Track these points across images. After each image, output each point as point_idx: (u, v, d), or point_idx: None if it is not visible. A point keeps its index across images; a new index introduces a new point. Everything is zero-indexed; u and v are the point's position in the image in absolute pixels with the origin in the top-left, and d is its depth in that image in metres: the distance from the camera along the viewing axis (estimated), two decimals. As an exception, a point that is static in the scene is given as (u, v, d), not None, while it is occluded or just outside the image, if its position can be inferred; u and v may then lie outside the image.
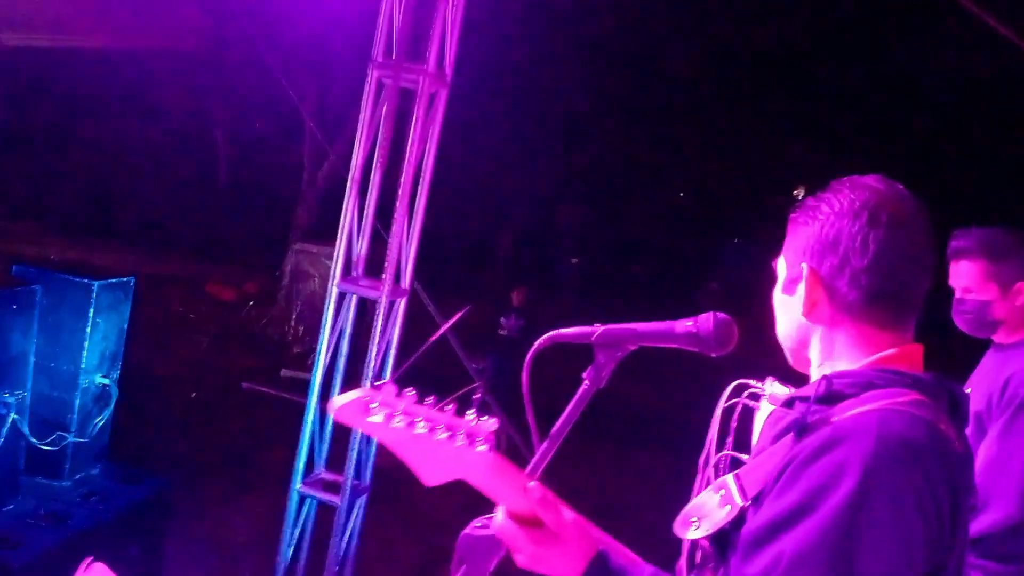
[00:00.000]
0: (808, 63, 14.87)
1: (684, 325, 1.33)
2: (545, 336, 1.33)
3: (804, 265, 1.33)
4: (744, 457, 2.13)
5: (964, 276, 2.77)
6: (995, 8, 4.88)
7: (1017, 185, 13.85)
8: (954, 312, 2.80)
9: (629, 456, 9.10)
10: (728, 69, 15.00)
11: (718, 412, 2.27)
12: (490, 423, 1.20)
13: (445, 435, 1.17)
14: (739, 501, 1.26)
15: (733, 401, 2.29)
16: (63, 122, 22.28)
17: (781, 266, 1.41)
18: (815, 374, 1.35)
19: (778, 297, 1.41)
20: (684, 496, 2.41)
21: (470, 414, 1.20)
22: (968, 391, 2.80)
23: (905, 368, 1.28)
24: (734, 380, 2.36)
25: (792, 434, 1.22)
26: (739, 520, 1.25)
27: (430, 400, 1.19)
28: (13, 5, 5.17)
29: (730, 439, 2.30)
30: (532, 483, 1.25)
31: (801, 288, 1.33)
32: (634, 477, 8.41)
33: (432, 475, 1.20)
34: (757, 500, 1.23)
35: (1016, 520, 2.62)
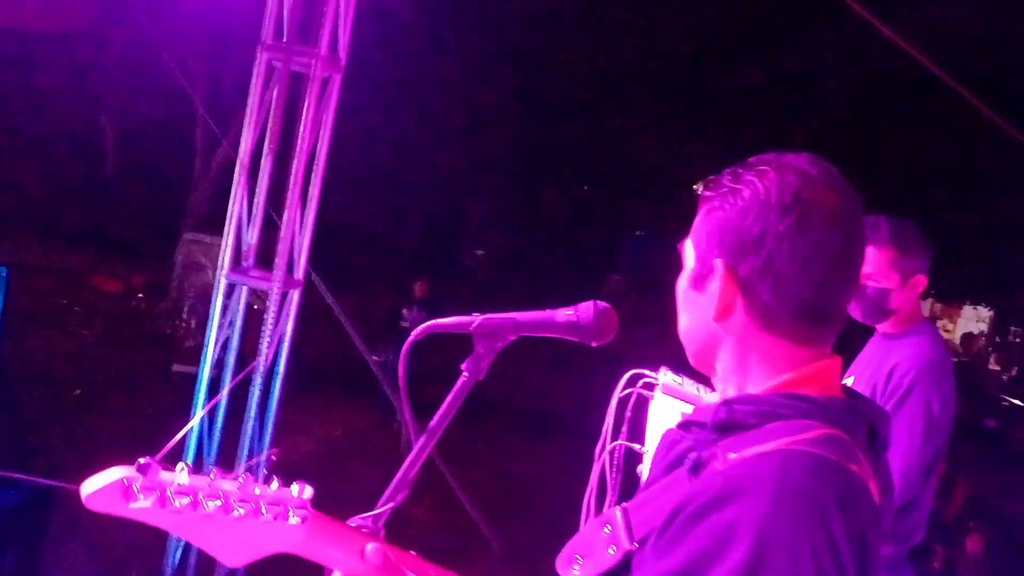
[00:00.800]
0: (707, 60, 15.21)
1: (564, 314, 1.27)
2: (421, 327, 1.26)
3: (719, 262, 1.13)
4: (635, 446, 2.13)
5: (870, 263, 2.77)
6: (881, 10, 5.07)
7: (905, 181, 14.55)
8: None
9: (537, 447, 9.14)
10: (631, 62, 15.22)
11: (613, 402, 2.26)
12: (305, 491, 1.06)
13: (244, 510, 1.02)
14: (625, 543, 1.13)
15: (628, 391, 2.28)
16: (-66, 104, 20.92)
17: (689, 253, 1.20)
18: (719, 386, 1.22)
19: (684, 291, 1.21)
20: (584, 486, 2.41)
21: (274, 483, 1.04)
22: (851, 379, 2.89)
23: (815, 392, 1.12)
24: (628, 370, 2.36)
25: (686, 469, 1.09)
26: (625, 563, 1.13)
27: (213, 472, 1.03)
28: None
29: (625, 428, 2.29)
30: (371, 546, 1.12)
31: (714, 287, 1.14)
32: (541, 468, 8.45)
33: (236, 556, 1.05)
34: (644, 543, 1.11)
35: (897, 505, 2.71)
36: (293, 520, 1.04)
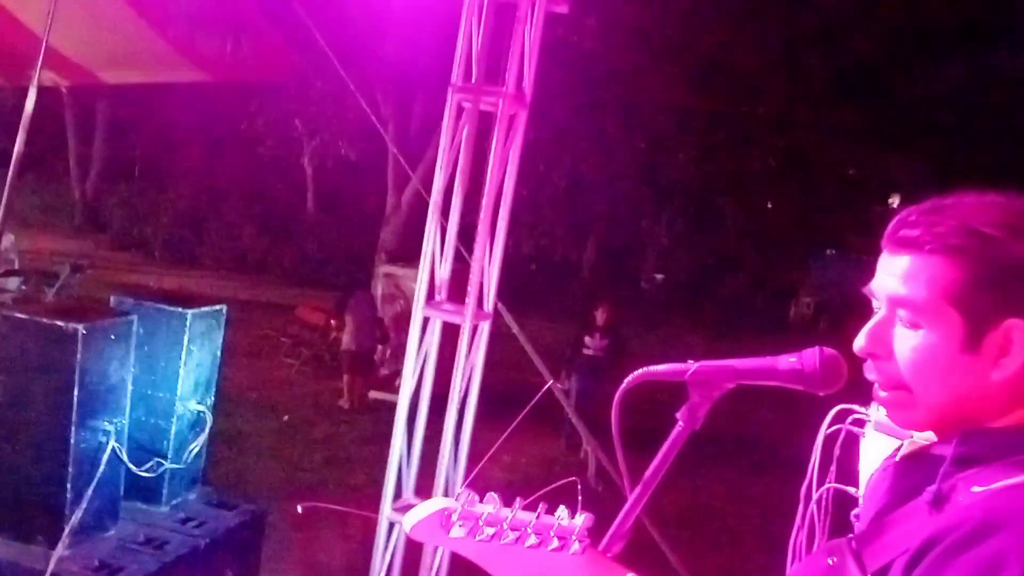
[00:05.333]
0: (900, 68, 14.39)
1: (787, 361, 1.21)
2: (635, 374, 1.24)
3: (1018, 322, 1.09)
4: (850, 490, 2.01)
5: None
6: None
7: None
8: None
9: (736, 479, 8.84)
10: (817, 76, 14.63)
11: (819, 440, 2.15)
12: (583, 519, 1.09)
13: (534, 540, 1.06)
14: (855, 574, 1.11)
15: (836, 427, 2.17)
16: (160, 154, 23.31)
17: (936, 312, 1.11)
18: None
19: (943, 358, 1.11)
20: (790, 526, 2.30)
21: (561, 511, 1.09)
22: None
23: None
24: (835, 404, 2.24)
25: (924, 501, 1.08)
26: None
27: (517, 502, 1.08)
28: (112, 45, 5.40)
29: (833, 467, 2.18)
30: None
31: (999, 347, 1.09)
32: (742, 503, 8.17)
33: None
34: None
35: None
36: (574, 548, 1.08)
